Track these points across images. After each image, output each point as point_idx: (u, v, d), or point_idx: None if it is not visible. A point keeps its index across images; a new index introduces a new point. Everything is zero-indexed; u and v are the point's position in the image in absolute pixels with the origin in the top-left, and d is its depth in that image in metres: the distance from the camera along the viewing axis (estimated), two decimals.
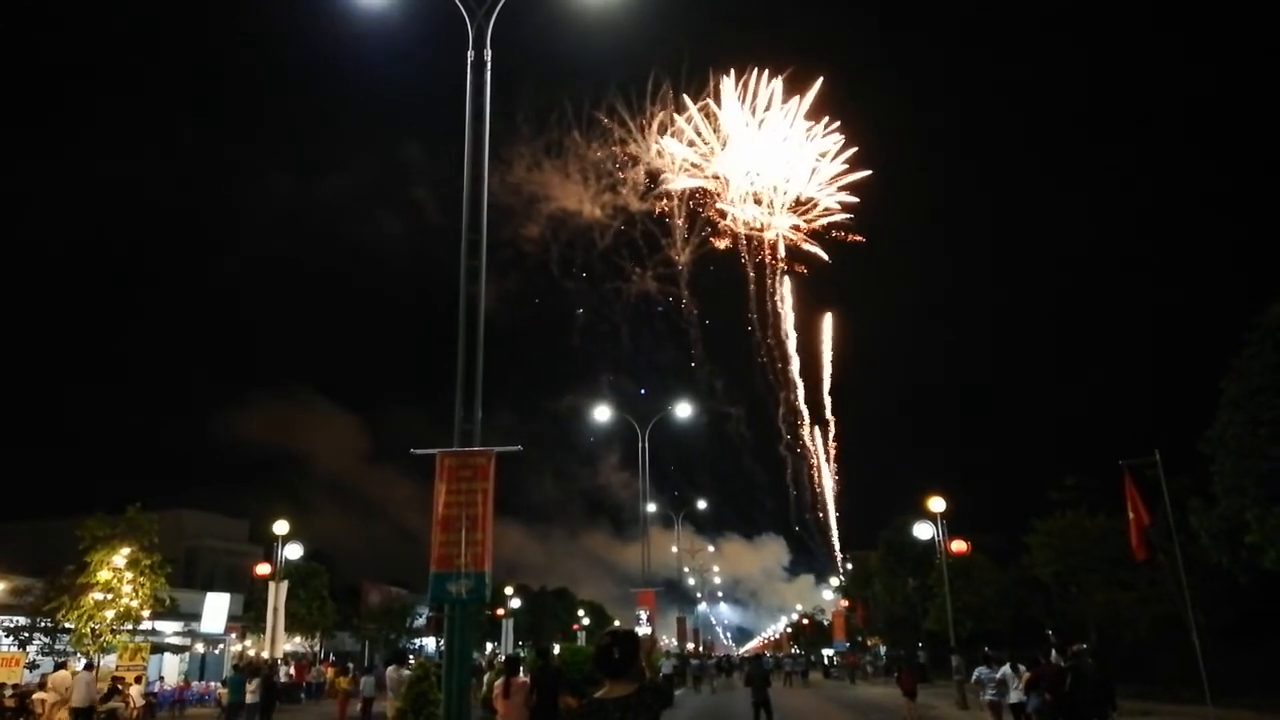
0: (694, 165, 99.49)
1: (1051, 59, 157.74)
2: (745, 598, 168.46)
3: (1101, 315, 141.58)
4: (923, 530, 34.61)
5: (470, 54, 14.00)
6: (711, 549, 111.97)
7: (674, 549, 63.48)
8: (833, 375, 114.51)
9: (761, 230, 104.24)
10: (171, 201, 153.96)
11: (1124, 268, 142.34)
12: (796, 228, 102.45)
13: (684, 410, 38.60)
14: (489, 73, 13.98)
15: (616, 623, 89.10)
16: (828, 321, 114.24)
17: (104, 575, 24.96)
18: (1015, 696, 16.42)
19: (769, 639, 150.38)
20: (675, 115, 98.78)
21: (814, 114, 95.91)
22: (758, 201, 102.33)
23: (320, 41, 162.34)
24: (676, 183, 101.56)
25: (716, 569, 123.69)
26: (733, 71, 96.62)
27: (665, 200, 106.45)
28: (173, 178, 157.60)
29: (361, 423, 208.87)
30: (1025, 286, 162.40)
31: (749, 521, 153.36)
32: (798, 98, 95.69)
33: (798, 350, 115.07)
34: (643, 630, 37.20)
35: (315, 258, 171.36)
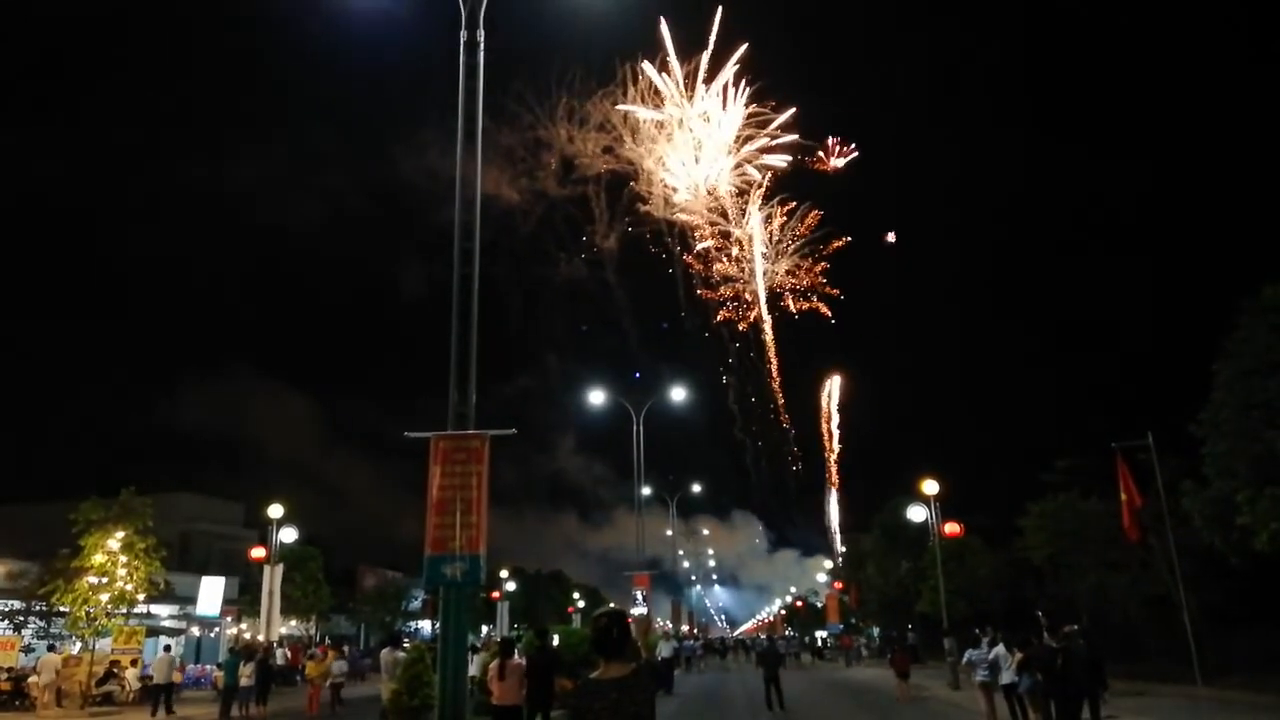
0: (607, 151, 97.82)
1: (1041, 32, 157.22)
2: (725, 578, 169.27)
3: (1094, 297, 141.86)
4: (916, 513, 34.80)
5: (463, 34, 13.92)
6: (706, 531, 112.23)
7: (668, 532, 63.72)
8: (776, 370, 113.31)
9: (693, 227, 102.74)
10: (142, 183, 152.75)
11: (1117, 249, 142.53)
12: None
13: (679, 394, 38.81)
14: (482, 53, 13.89)
15: (611, 604, 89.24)
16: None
17: (98, 559, 24.91)
18: (1007, 677, 16.51)
19: (762, 620, 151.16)
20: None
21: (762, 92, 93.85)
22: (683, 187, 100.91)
23: (259, 18, 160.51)
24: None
25: (711, 551, 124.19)
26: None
27: (590, 184, 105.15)
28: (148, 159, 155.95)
29: (345, 408, 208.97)
30: (1015, 266, 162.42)
31: (715, 503, 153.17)
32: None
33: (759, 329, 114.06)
34: (639, 610, 37.35)
35: (250, 243, 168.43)
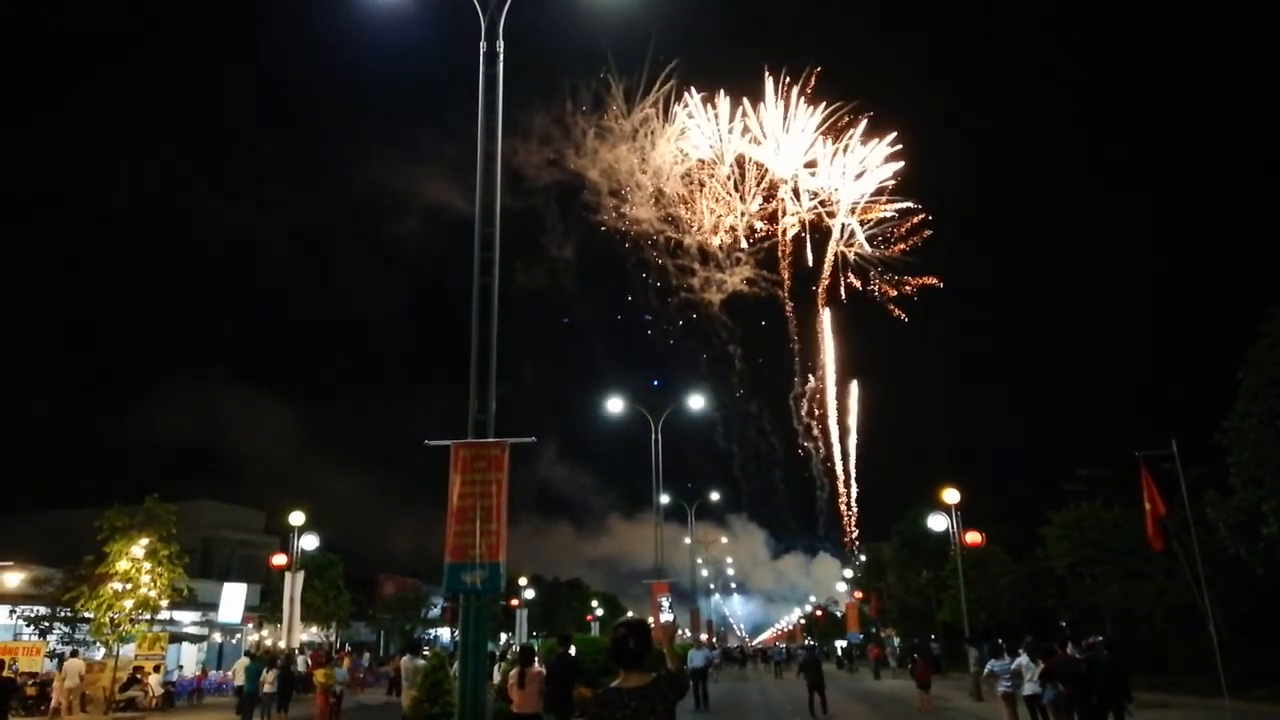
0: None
1: (1072, 44, 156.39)
2: (732, 584, 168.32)
3: (1117, 305, 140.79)
4: (937, 522, 34.55)
5: (483, 45, 14.00)
6: (724, 540, 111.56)
7: (686, 540, 63.52)
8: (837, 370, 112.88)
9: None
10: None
11: (1140, 257, 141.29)
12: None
13: (697, 403, 38.90)
14: (501, 64, 13.97)
15: (630, 613, 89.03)
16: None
17: (123, 565, 25.18)
18: (1030, 688, 16.36)
19: (781, 629, 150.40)
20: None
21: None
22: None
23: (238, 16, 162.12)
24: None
25: (730, 560, 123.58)
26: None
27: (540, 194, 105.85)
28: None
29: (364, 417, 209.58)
30: (1038, 275, 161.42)
31: (711, 511, 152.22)
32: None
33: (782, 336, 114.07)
34: (665, 617, 37.18)
35: (220, 257, 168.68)
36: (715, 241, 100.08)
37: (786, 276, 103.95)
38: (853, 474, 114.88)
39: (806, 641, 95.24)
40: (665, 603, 38.09)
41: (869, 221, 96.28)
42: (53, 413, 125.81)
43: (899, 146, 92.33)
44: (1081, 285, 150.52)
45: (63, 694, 24.49)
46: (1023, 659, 16.98)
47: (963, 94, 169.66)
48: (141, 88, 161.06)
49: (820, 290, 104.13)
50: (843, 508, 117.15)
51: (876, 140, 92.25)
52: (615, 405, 35.98)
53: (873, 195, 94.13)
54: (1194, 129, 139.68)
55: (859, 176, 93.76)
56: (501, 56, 14.05)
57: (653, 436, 37.56)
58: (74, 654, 26.32)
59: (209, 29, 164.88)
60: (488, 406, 12.84)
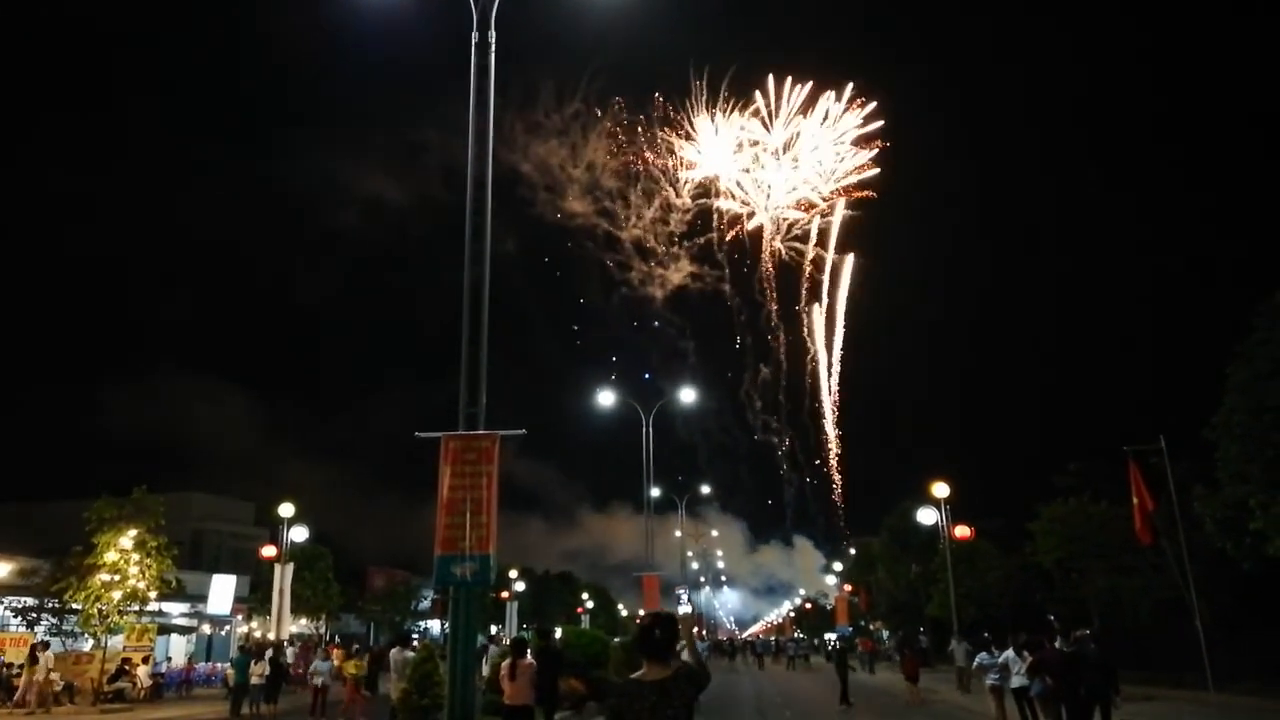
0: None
1: (1053, 42, 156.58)
2: (722, 577, 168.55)
3: (1106, 300, 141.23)
4: (926, 516, 34.65)
5: (474, 35, 13.95)
6: (715, 533, 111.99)
7: (677, 533, 63.60)
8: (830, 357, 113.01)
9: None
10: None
11: (1129, 252, 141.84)
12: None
13: (688, 396, 38.85)
14: (493, 54, 13.91)
15: (620, 606, 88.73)
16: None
17: (111, 556, 25.05)
18: (1018, 681, 16.44)
19: (770, 622, 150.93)
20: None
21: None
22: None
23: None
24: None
25: (720, 553, 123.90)
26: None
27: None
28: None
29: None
30: (1028, 270, 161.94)
31: (682, 504, 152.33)
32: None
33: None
34: (684, 609, 37.21)
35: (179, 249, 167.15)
36: (650, 240, 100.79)
37: (728, 272, 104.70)
38: (834, 465, 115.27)
39: (795, 635, 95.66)
40: (683, 595, 37.87)
41: (823, 210, 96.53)
42: (41, 405, 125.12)
43: (870, 126, 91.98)
44: (1072, 279, 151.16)
45: (45, 684, 24.36)
46: (1008, 652, 17.08)
47: (951, 87, 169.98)
48: (102, 84, 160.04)
49: (768, 280, 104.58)
50: (824, 498, 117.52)
51: (842, 113, 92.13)
52: (607, 398, 35.71)
53: (854, 169, 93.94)
54: (1190, 124, 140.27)
55: (838, 159, 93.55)
56: (494, 46, 14.00)
57: (644, 430, 37.50)
58: (45, 646, 26.07)
59: (172, 19, 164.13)
60: (478, 399, 12.80)
